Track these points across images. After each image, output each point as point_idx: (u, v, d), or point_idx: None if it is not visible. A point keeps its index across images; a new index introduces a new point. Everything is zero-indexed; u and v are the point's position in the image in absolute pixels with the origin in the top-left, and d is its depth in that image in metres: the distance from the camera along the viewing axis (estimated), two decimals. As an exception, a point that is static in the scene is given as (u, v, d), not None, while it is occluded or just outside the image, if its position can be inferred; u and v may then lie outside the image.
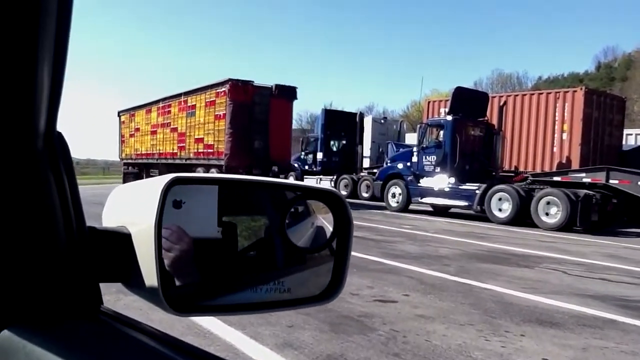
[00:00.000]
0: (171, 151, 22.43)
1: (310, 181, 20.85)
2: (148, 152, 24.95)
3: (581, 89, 16.16)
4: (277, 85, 18.73)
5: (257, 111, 18.20)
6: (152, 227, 0.61)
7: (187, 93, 21.03)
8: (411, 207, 17.02)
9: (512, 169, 16.59)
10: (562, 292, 5.85)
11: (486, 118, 16.53)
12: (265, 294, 0.73)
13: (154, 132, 24.22)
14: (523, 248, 9.60)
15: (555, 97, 16.04)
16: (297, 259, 0.77)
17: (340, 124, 22.28)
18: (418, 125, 17.88)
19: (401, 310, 4.77)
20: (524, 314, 4.76)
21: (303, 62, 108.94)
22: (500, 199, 14.27)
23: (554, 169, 15.35)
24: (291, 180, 16.09)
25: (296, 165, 23.57)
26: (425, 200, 16.33)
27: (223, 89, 18.31)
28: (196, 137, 20.18)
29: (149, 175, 23.81)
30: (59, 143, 0.66)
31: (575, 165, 15.13)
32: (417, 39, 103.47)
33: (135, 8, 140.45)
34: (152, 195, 0.63)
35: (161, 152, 23.47)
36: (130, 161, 27.32)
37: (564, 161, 15.54)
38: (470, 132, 15.92)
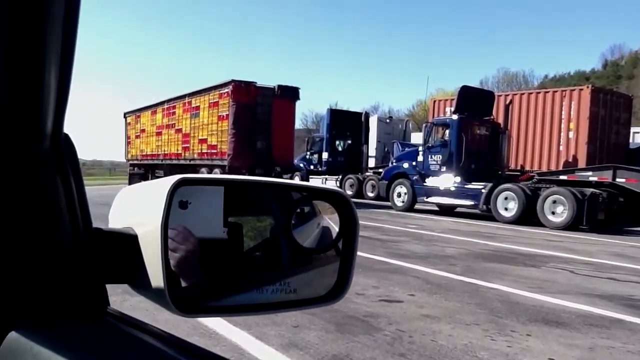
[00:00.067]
0: (176, 152, 22.53)
1: (315, 181, 20.86)
2: (153, 153, 25.07)
3: (588, 87, 16.11)
4: (279, 86, 18.79)
5: (259, 112, 18.29)
6: (159, 228, 0.61)
7: (192, 94, 21.13)
8: (417, 206, 16.99)
9: (518, 168, 16.53)
10: (568, 291, 5.82)
11: (492, 117, 16.49)
12: (271, 295, 0.73)
13: (159, 133, 24.33)
14: (529, 247, 9.56)
15: (561, 96, 15.98)
16: (303, 260, 0.77)
17: (346, 124, 22.29)
18: (424, 125, 17.84)
19: (407, 310, 4.77)
20: (530, 314, 4.74)
21: (308, 62, 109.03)
22: (506, 198, 14.23)
23: (560, 168, 15.30)
24: (297, 180, 16.13)
25: (302, 165, 23.60)
26: (430, 199, 16.30)
27: (226, 90, 18.39)
28: (200, 137, 20.28)
29: (154, 176, 23.93)
30: (66, 144, 0.66)
31: (581, 163, 15.07)
32: (422, 38, 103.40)
33: (139, 9, 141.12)
34: (158, 196, 0.63)
35: (166, 152, 23.57)
36: (136, 162, 27.45)
37: (570, 160, 15.48)
38: (476, 131, 15.89)
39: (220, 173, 17.66)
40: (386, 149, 24.19)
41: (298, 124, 21.79)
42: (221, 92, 18.77)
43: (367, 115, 22.44)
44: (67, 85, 0.60)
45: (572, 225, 12.90)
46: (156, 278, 0.62)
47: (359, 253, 0.77)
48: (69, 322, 0.64)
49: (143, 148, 26.47)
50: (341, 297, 0.77)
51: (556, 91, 16.64)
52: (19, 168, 0.61)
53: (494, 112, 16.57)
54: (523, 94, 17.58)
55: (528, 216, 13.80)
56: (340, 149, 22.79)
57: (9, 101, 0.57)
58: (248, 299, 0.72)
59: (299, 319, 4.09)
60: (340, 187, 19.69)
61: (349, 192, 19.93)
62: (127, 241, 0.66)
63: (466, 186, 15.30)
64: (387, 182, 17.74)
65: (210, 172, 18.80)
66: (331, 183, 20.92)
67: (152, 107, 25.26)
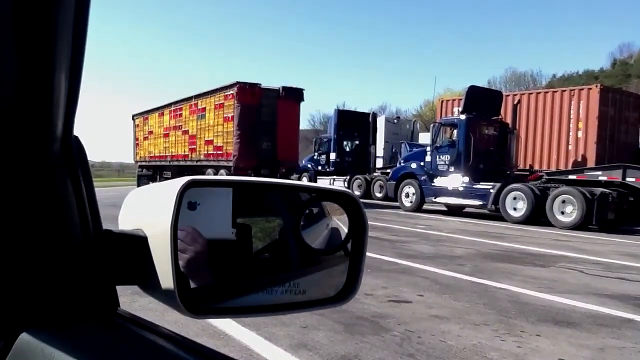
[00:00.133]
0: (183, 153, 22.67)
1: (323, 182, 20.87)
2: (161, 154, 25.23)
3: (596, 86, 16.02)
4: (284, 87, 18.89)
5: (264, 113, 18.41)
6: (168, 230, 0.61)
7: (198, 96, 21.27)
8: (425, 206, 16.96)
9: (527, 167, 16.47)
10: (578, 291, 5.78)
11: (500, 117, 16.43)
12: (280, 296, 0.73)
13: (166, 135, 24.49)
14: (538, 247, 9.51)
15: (570, 95, 15.90)
16: (312, 261, 0.77)
17: (353, 124, 22.29)
18: (431, 125, 17.80)
19: (416, 310, 4.75)
20: (539, 314, 4.72)
21: (316, 63, 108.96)
22: (515, 198, 14.16)
23: (569, 168, 15.21)
24: (305, 181, 16.14)
25: (309, 165, 23.63)
26: (439, 199, 16.25)
27: (231, 92, 18.52)
28: (206, 139, 20.41)
29: (162, 177, 24.09)
30: (76, 147, 0.67)
31: (590, 163, 14.98)
32: (430, 38, 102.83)
33: (147, 12, 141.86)
34: (167, 198, 0.63)
35: (173, 154, 23.72)
36: (144, 163, 27.64)
37: (579, 159, 15.39)
38: (484, 131, 15.84)
39: (226, 174, 17.77)
40: (394, 150, 24.16)
41: (305, 125, 21.89)
42: (226, 93, 18.91)
43: (374, 115, 22.40)
44: (77, 88, 0.60)
45: (581, 225, 12.82)
46: (166, 279, 0.62)
47: (367, 253, 0.77)
48: (80, 324, 0.64)
49: (151, 149, 26.66)
50: (350, 298, 0.77)
51: (565, 90, 16.56)
52: (30, 170, 0.62)
53: (502, 112, 16.51)
54: (531, 93, 17.52)
55: (537, 216, 13.73)
56: (347, 149, 22.80)
57: (20, 104, 0.57)
58: (257, 300, 0.72)
59: (307, 320, 4.09)
60: (348, 187, 19.68)
61: (357, 193, 19.92)
62: (137, 243, 0.67)
63: (474, 186, 15.24)
64: (395, 182, 17.72)
65: (216, 173, 18.93)
66: (339, 184, 20.94)
67: (160, 109, 25.43)
